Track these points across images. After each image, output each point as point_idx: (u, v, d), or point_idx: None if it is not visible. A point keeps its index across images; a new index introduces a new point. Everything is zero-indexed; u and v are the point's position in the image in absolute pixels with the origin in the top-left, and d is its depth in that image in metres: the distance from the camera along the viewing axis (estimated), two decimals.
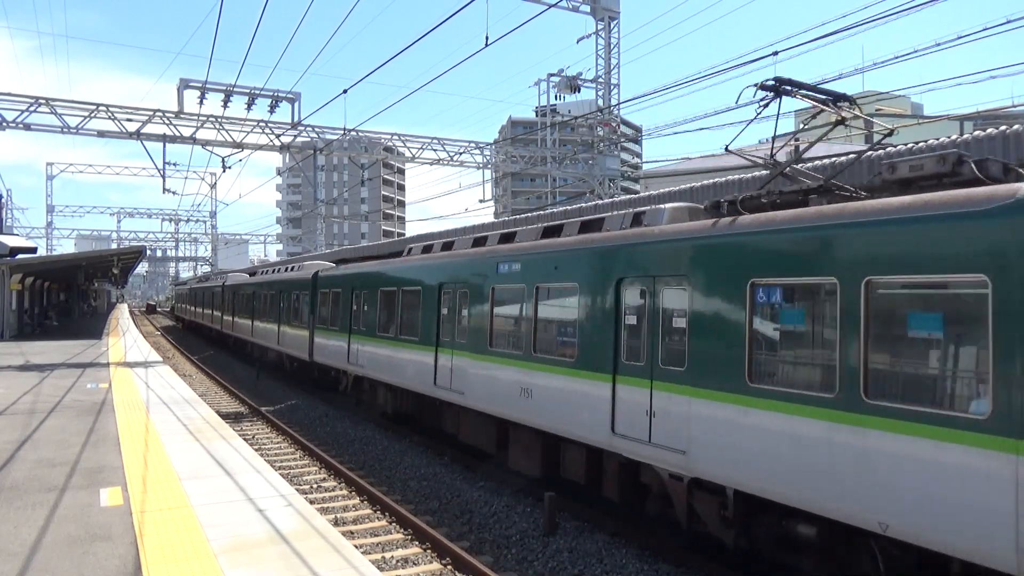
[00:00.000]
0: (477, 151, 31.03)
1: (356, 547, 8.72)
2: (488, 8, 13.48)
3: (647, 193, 17.14)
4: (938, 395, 5.73)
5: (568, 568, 8.63)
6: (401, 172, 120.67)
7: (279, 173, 70.69)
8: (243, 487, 8.03)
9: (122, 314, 64.16)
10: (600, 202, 17.42)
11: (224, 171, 29.26)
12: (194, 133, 26.00)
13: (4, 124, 23.35)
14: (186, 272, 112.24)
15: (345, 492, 11.98)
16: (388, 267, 16.33)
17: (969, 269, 5.51)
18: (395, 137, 30.19)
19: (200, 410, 13.22)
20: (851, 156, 11.29)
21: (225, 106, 25.85)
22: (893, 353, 6.03)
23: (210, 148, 26.80)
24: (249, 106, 26.09)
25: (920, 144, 10.46)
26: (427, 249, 15.47)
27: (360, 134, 30.53)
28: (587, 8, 31.75)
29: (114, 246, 77.06)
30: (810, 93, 8.54)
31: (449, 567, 8.60)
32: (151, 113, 25.22)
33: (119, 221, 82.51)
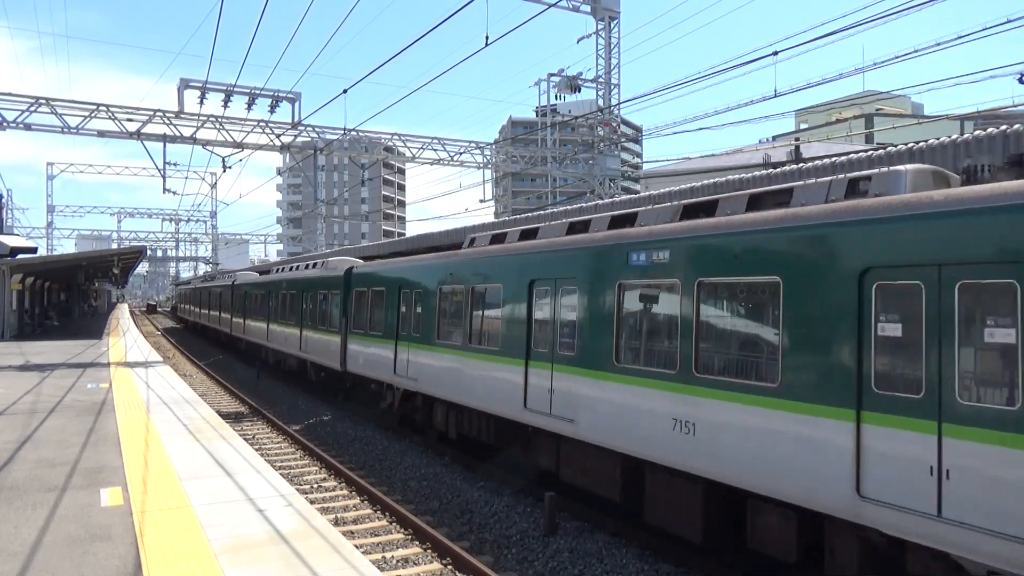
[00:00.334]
0: (477, 151, 31.04)
1: (356, 547, 8.72)
2: (488, 8, 13.49)
3: (651, 192, 16.70)
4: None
5: (568, 568, 8.63)
6: (401, 172, 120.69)
7: (279, 173, 70.64)
8: (243, 487, 8.03)
9: (122, 314, 64.17)
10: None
11: (224, 171, 29.31)
12: (194, 133, 26.02)
13: (4, 124, 23.36)
14: (187, 272, 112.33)
15: (345, 492, 11.98)
16: (453, 261, 13.35)
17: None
18: (395, 137, 30.20)
19: (200, 410, 13.22)
20: None
21: (225, 106, 25.87)
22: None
23: (210, 148, 26.84)
24: (249, 106, 26.12)
25: (921, 144, 10.45)
26: (498, 239, 12.99)
27: (360, 134, 30.54)
28: (587, 8, 31.76)
29: (114, 246, 77.10)
30: None
31: (449, 567, 8.60)
32: (151, 113, 25.23)
33: (119, 221, 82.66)
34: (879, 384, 6.02)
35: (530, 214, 21.59)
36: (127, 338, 33.01)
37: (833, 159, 11.72)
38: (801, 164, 12.45)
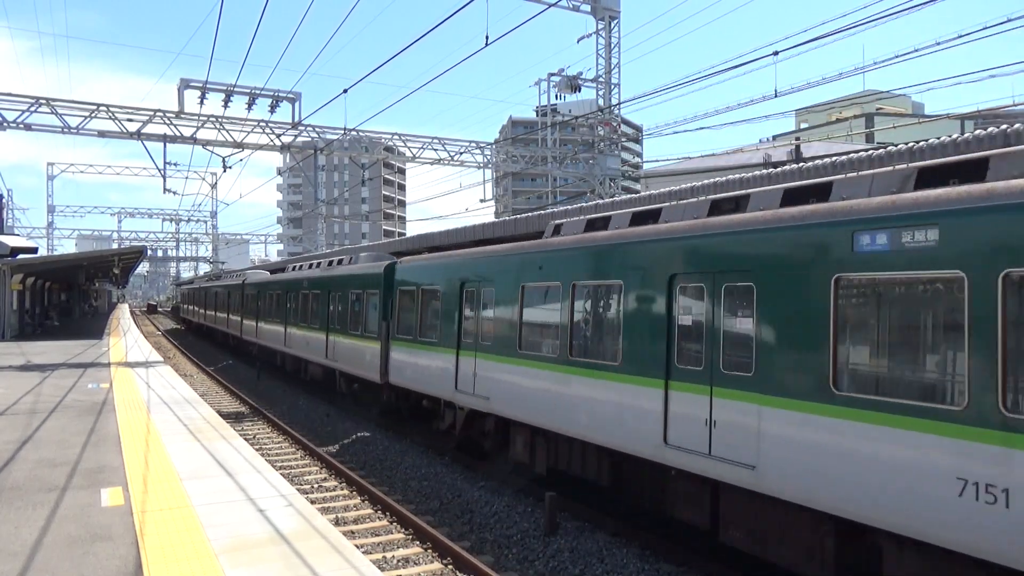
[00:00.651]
0: (478, 151, 31.04)
1: (357, 547, 8.73)
2: (488, 8, 13.48)
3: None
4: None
5: (569, 568, 8.63)
6: (402, 172, 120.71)
7: (279, 173, 70.70)
8: (244, 487, 8.03)
9: (123, 314, 64.19)
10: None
11: (224, 171, 29.28)
12: (195, 133, 26.03)
13: (5, 124, 23.37)
14: (187, 272, 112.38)
15: (346, 492, 11.98)
16: (543, 254, 10.63)
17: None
18: (396, 137, 30.21)
19: (201, 410, 13.23)
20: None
21: (226, 106, 25.89)
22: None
23: (211, 148, 26.86)
24: (250, 106, 26.13)
25: (922, 143, 10.45)
26: (593, 225, 10.56)
27: (360, 134, 30.54)
28: (587, 8, 31.75)
29: (115, 246, 77.15)
30: None
31: (450, 567, 8.60)
32: (152, 113, 25.24)
33: (120, 221, 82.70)
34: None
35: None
36: (127, 338, 33.03)
37: (834, 159, 11.71)
38: (801, 164, 12.44)
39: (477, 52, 13.46)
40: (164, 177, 28.57)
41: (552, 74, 35.21)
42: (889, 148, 10.94)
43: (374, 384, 16.54)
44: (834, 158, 11.68)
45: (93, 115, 24.50)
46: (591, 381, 9.40)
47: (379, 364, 16.03)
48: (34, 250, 32.76)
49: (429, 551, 9.14)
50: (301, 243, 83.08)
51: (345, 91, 16.90)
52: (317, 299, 20.98)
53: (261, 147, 27.33)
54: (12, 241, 31.63)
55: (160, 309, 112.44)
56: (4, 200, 44.16)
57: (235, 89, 25.56)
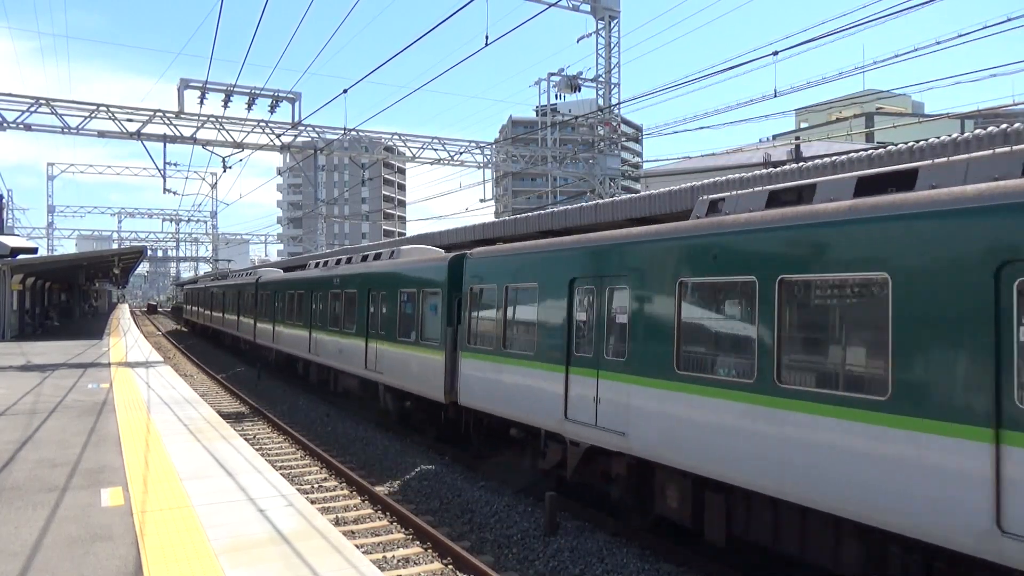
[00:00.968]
0: (477, 151, 31.05)
1: (357, 547, 8.73)
2: (488, 8, 13.48)
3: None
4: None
5: (569, 568, 8.63)
6: (402, 172, 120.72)
7: (279, 173, 70.73)
8: (244, 487, 8.03)
9: (123, 314, 64.19)
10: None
11: (224, 171, 29.27)
12: (194, 133, 26.04)
13: (5, 124, 23.38)
14: (187, 272, 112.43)
15: (346, 492, 11.98)
16: (718, 235, 7.73)
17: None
18: (395, 137, 30.21)
19: (201, 410, 13.23)
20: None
21: (225, 106, 25.90)
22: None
23: (210, 148, 26.87)
24: (249, 106, 26.14)
25: (922, 143, 10.44)
26: (787, 198, 7.83)
27: (360, 134, 30.55)
28: (587, 7, 31.75)
29: (115, 246, 77.17)
30: None
31: (450, 567, 8.60)
32: (151, 113, 25.25)
33: (120, 221, 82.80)
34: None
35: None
36: (128, 338, 33.03)
37: (833, 158, 11.71)
38: (801, 163, 12.44)
39: (477, 52, 13.47)
40: (164, 177, 28.59)
41: (552, 74, 35.25)
42: (889, 148, 10.93)
43: (434, 403, 13.76)
44: (835, 157, 11.66)
45: (93, 115, 24.50)
46: (813, 421, 6.47)
47: (442, 379, 13.12)
48: (34, 250, 32.77)
49: (429, 551, 9.14)
50: (301, 243, 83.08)
51: (345, 91, 16.90)
52: (353, 300, 17.98)
53: (261, 147, 27.33)
54: (12, 241, 31.64)
55: (160, 309, 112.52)
56: (4, 200, 44.17)
57: (235, 89, 25.57)
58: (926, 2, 13.41)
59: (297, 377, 24.27)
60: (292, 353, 23.65)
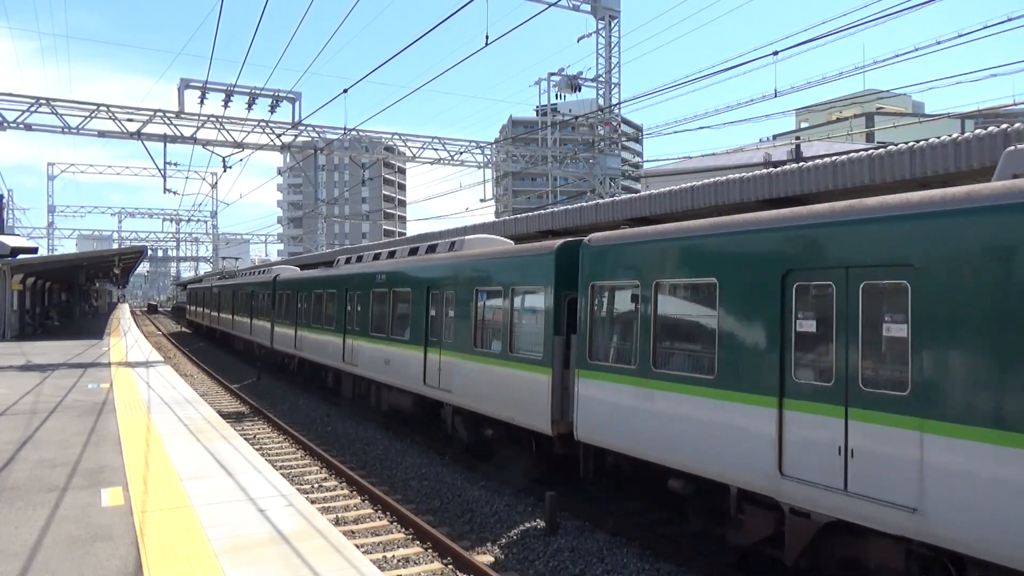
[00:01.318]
0: (478, 150, 31.05)
1: (357, 547, 8.73)
2: (488, 7, 13.48)
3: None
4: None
5: (569, 567, 8.63)
6: (402, 172, 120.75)
7: (280, 173, 70.75)
8: (244, 487, 8.03)
9: (123, 314, 64.20)
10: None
11: (225, 171, 29.25)
12: (195, 133, 26.04)
13: (5, 124, 23.38)
14: (187, 272, 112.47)
15: (346, 492, 11.98)
16: None
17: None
18: (396, 137, 30.21)
19: (201, 410, 13.23)
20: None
21: (226, 106, 25.90)
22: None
23: (211, 148, 26.88)
24: (250, 106, 26.15)
25: (922, 143, 10.44)
26: None
27: (361, 134, 30.55)
28: (587, 7, 31.75)
29: (115, 246, 77.19)
30: None
31: (450, 566, 8.60)
32: (152, 113, 25.25)
33: (120, 221, 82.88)
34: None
35: None
36: (128, 338, 33.04)
37: (835, 158, 11.70)
38: (802, 163, 12.44)
39: (477, 52, 13.47)
40: (164, 177, 28.60)
41: (552, 74, 35.24)
42: (890, 148, 10.93)
43: (532, 434, 11.01)
44: (835, 157, 11.66)
45: (93, 115, 24.51)
46: None
47: (549, 405, 10.26)
48: (34, 250, 32.78)
49: (429, 551, 9.14)
50: (301, 243, 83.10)
51: (345, 91, 16.90)
52: (406, 301, 15.15)
53: (261, 147, 27.34)
54: (12, 241, 31.66)
55: (161, 309, 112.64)
56: (4, 200, 44.18)
57: (235, 89, 25.57)
58: (926, 2, 13.41)
59: (328, 390, 21.27)
60: (320, 362, 20.78)
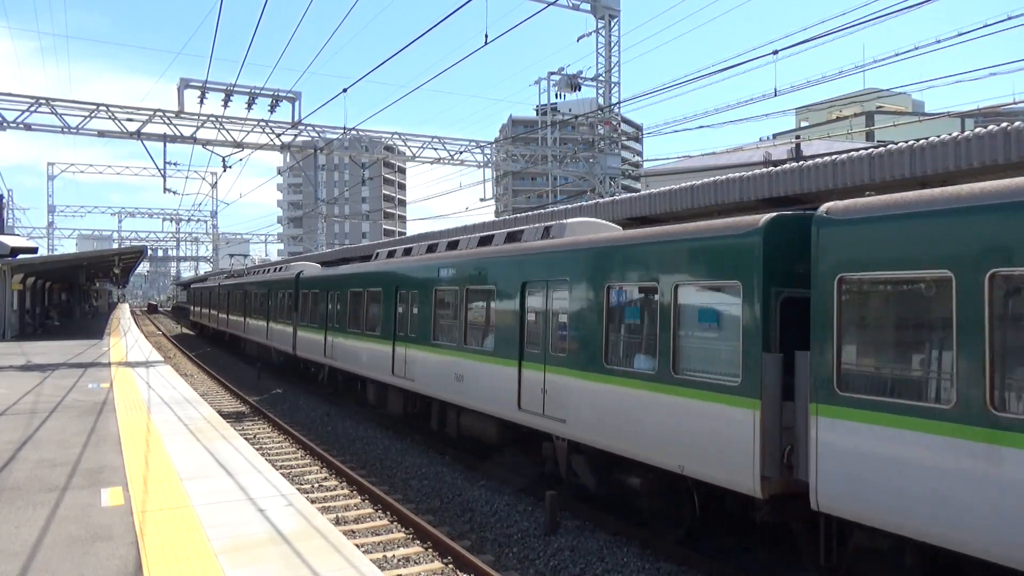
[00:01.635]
0: (477, 150, 31.04)
1: (357, 546, 8.73)
2: (488, 6, 13.47)
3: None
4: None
5: (569, 567, 8.63)
6: (402, 171, 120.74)
7: (279, 173, 70.74)
8: (244, 487, 8.03)
9: (123, 314, 64.20)
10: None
11: (224, 171, 29.20)
12: (194, 133, 26.03)
13: (5, 124, 23.38)
14: (187, 272, 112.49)
15: (346, 491, 11.98)
16: None
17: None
18: (395, 136, 30.20)
19: (201, 410, 13.23)
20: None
21: (225, 106, 25.90)
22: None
23: (210, 148, 26.86)
24: (249, 106, 26.13)
25: (922, 142, 10.44)
26: None
27: (361, 133, 30.54)
28: (587, 6, 31.73)
29: (115, 246, 77.18)
30: None
31: (450, 566, 8.59)
32: (151, 113, 25.24)
33: (120, 221, 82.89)
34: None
35: None
36: (128, 338, 33.04)
37: (835, 157, 11.70)
38: (802, 162, 12.43)
39: (476, 51, 13.46)
40: (164, 177, 28.59)
41: (552, 73, 35.21)
42: (889, 146, 10.92)
43: (733, 492, 7.67)
44: (836, 156, 11.66)
45: (93, 115, 24.50)
46: None
47: (754, 453, 7.21)
48: (34, 250, 32.77)
49: (430, 550, 9.14)
50: (301, 243, 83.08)
51: (345, 90, 16.89)
52: (486, 300, 12.29)
53: (261, 147, 27.33)
54: (12, 241, 31.65)
55: (161, 309, 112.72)
56: (4, 200, 44.18)
57: (235, 89, 25.56)
58: (925, 1, 13.39)
59: (366, 405, 18.26)
60: (358, 373, 17.77)
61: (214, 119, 25.99)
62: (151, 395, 14.98)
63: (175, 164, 48.74)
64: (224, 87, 25.53)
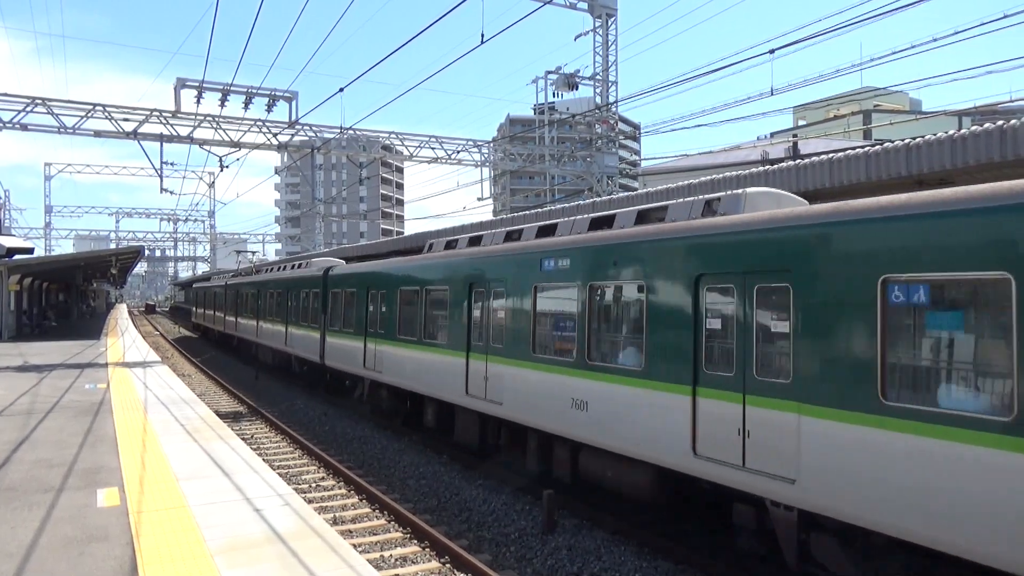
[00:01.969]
0: (475, 149, 31.01)
1: (355, 546, 8.73)
2: (483, 6, 13.44)
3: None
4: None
5: (567, 566, 8.62)
6: (400, 171, 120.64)
7: (276, 172, 70.65)
8: (241, 487, 8.01)
9: (121, 315, 64.11)
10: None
11: (221, 170, 29.09)
12: (191, 132, 25.96)
13: (1, 124, 23.31)
14: (185, 272, 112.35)
15: (344, 491, 11.97)
16: None
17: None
18: (393, 135, 30.17)
19: (198, 410, 13.20)
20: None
21: (222, 105, 25.82)
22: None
23: (207, 148, 26.79)
24: (246, 105, 26.06)
25: (918, 139, 10.44)
26: None
27: (358, 132, 30.50)
28: (584, 5, 31.72)
29: (112, 246, 77.05)
30: None
31: (448, 565, 8.59)
32: (148, 113, 25.17)
33: (117, 221, 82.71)
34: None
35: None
36: (125, 338, 32.99)
37: (831, 155, 11.70)
38: (799, 161, 12.43)
39: (472, 50, 13.43)
40: (161, 177, 28.49)
41: (549, 72, 35.20)
42: (886, 145, 10.93)
43: None
44: (831, 155, 11.66)
45: (89, 115, 24.43)
46: None
47: None
48: (30, 250, 32.71)
49: (427, 550, 9.13)
50: (299, 242, 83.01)
51: (341, 90, 16.85)
52: (651, 298, 8.63)
53: (258, 146, 27.27)
54: (8, 242, 31.60)
55: (159, 309, 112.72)
56: (2, 201, 44.09)
57: (231, 88, 25.49)
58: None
59: (423, 429, 15.24)
60: (413, 390, 14.52)
61: (211, 119, 25.94)
62: (148, 395, 14.95)
63: (172, 164, 48.76)
64: (221, 87, 25.47)
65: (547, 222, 11.95)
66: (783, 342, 6.97)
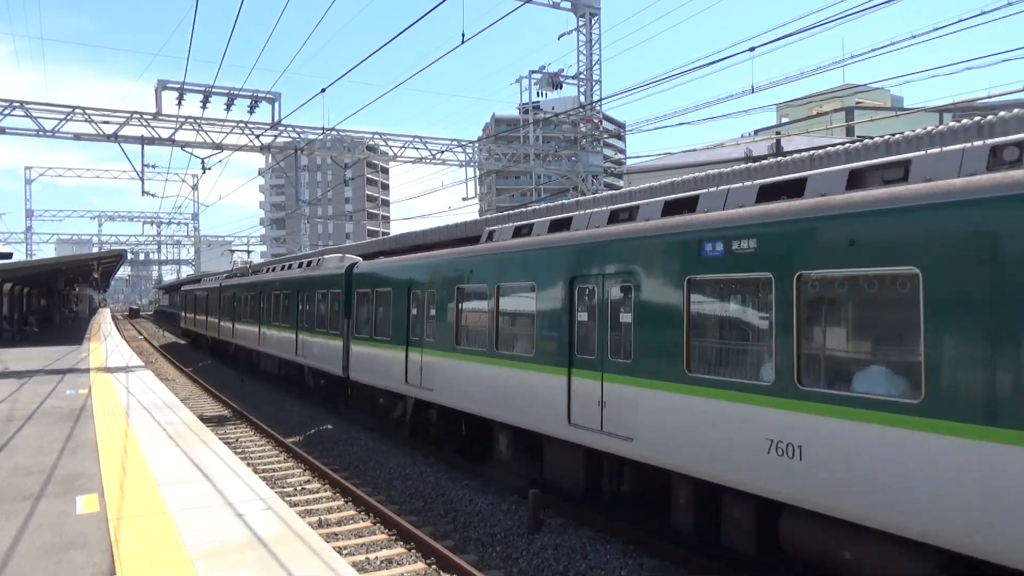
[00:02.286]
0: (459, 149, 30.96)
1: (340, 548, 8.69)
2: (463, 5, 13.40)
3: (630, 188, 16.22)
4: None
5: (553, 564, 8.62)
6: (385, 171, 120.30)
7: (260, 174, 70.28)
8: (223, 492, 7.94)
9: (104, 319, 63.51)
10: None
11: (204, 172, 28.85)
12: (173, 135, 25.75)
13: None
14: (169, 275, 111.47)
15: (329, 494, 11.90)
16: None
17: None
18: (377, 136, 30.06)
19: (181, 414, 13.09)
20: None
21: (204, 107, 25.64)
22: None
23: (189, 150, 26.56)
24: (228, 107, 25.90)
25: (896, 136, 10.52)
26: None
27: (342, 133, 30.37)
28: (567, 4, 31.72)
29: (95, 250, 76.31)
30: None
31: (433, 567, 8.55)
32: (129, 115, 24.94)
33: (100, 225, 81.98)
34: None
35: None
36: (108, 343, 32.66)
37: (812, 152, 11.76)
38: (781, 158, 12.50)
39: (454, 50, 13.40)
40: (142, 180, 28.22)
41: (533, 71, 35.17)
42: (866, 141, 11.00)
43: None
44: (814, 152, 11.72)
45: (69, 118, 24.16)
46: None
47: None
48: (8, 255, 32.30)
49: (413, 551, 9.10)
50: (284, 244, 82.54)
51: (323, 90, 16.79)
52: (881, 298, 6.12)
53: (240, 148, 27.08)
54: None
55: (143, 313, 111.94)
56: None
57: (213, 90, 25.31)
58: None
59: (485, 462, 12.66)
60: (483, 415, 11.59)
61: (193, 120, 25.73)
62: (130, 400, 14.81)
63: (153, 167, 48.06)
64: (202, 88, 25.28)
65: (655, 199, 9.48)
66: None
